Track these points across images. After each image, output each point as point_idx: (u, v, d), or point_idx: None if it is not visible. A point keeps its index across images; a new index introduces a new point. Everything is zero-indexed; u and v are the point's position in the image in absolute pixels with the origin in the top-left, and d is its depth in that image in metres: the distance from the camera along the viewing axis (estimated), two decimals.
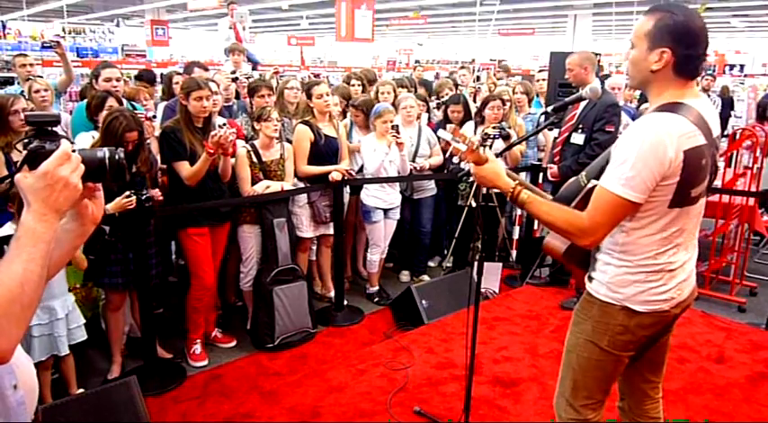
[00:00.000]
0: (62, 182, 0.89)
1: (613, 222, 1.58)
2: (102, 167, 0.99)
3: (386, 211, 4.10)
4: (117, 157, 1.00)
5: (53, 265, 1.05)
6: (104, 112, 3.07)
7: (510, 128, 4.27)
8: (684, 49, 1.56)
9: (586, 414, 1.82)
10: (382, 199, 4.05)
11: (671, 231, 1.63)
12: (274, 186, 3.49)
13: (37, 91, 3.97)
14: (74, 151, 0.93)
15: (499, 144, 4.05)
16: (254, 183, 3.46)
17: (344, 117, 4.51)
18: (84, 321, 2.83)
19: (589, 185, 1.78)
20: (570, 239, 1.66)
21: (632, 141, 1.54)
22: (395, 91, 4.77)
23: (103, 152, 1.00)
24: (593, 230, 1.58)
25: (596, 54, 4.28)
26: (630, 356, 1.77)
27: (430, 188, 4.49)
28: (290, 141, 3.78)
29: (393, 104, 4.39)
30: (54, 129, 0.97)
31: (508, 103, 4.59)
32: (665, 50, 1.56)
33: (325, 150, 3.79)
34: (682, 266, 1.69)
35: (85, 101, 3.72)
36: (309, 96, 3.80)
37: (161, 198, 3.24)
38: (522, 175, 4.09)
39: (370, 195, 4.04)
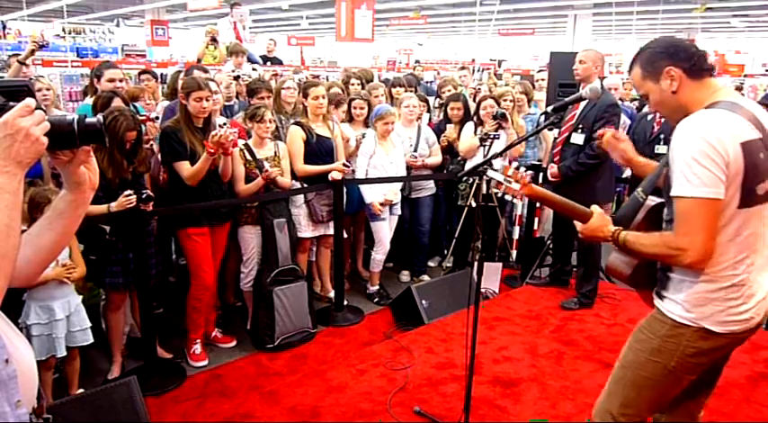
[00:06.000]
0: (22, 132, 0.90)
1: (705, 228, 1.49)
2: (71, 133, 0.99)
3: (389, 207, 4.09)
4: (87, 121, 1.00)
5: (61, 234, 1.10)
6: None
7: (511, 125, 4.28)
8: (682, 54, 1.57)
9: None
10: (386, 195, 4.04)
11: (744, 235, 1.56)
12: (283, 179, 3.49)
13: (39, 90, 3.96)
14: (39, 108, 0.93)
15: (500, 145, 4.06)
16: (249, 180, 3.45)
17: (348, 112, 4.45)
18: (90, 325, 2.81)
19: (648, 202, 1.73)
20: (676, 263, 1.58)
21: (689, 140, 1.49)
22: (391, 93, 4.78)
23: (73, 117, 1.00)
24: (689, 243, 1.50)
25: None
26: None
27: (428, 187, 4.48)
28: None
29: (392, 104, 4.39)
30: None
31: (510, 104, 4.60)
32: (669, 69, 1.56)
33: (317, 149, 3.80)
34: (760, 283, 1.62)
35: (89, 101, 3.72)
36: (306, 96, 3.82)
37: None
38: None
39: (375, 193, 4.03)
